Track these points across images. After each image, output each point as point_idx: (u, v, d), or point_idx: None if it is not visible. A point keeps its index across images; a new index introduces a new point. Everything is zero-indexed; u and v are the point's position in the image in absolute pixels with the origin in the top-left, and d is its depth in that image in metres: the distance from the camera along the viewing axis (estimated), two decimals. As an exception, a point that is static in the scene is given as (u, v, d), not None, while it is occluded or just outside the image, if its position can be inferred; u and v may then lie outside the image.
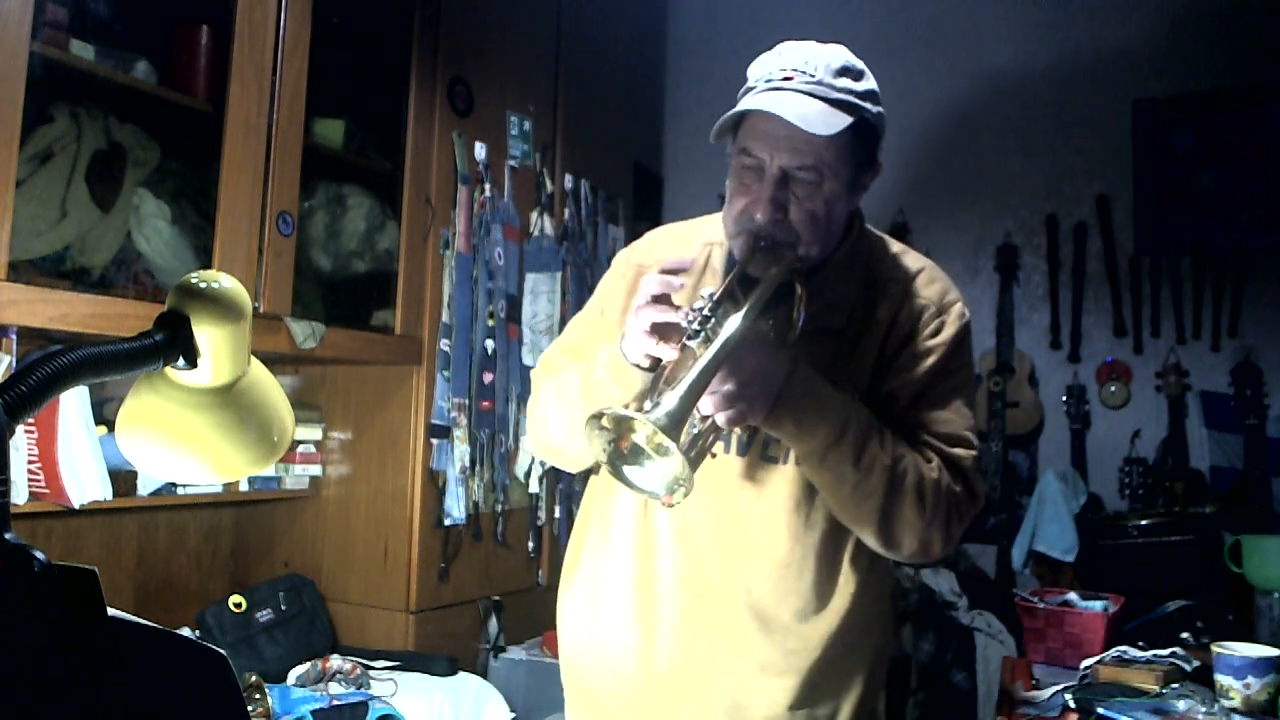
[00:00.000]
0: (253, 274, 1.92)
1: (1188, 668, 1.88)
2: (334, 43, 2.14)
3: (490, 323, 2.55)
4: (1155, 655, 1.91)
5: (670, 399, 1.01)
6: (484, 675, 2.36)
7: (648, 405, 1.05)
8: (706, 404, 1.10)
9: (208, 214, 1.92)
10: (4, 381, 0.58)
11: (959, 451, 1.26)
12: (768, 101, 1.19)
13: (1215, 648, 1.75)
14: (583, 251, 2.95)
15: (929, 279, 1.35)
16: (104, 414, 1.88)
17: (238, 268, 1.88)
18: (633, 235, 3.27)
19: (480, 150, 2.54)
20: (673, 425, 0.99)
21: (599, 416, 1.03)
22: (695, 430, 1.13)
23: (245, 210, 1.90)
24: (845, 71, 1.23)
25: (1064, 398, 3.19)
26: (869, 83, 1.26)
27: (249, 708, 1.76)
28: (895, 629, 1.53)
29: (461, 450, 2.42)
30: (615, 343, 1.21)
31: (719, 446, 1.29)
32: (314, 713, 1.86)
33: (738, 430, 1.28)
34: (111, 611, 0.55)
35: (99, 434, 1.80)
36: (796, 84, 1.20)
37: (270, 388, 0.81)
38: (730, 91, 1.30)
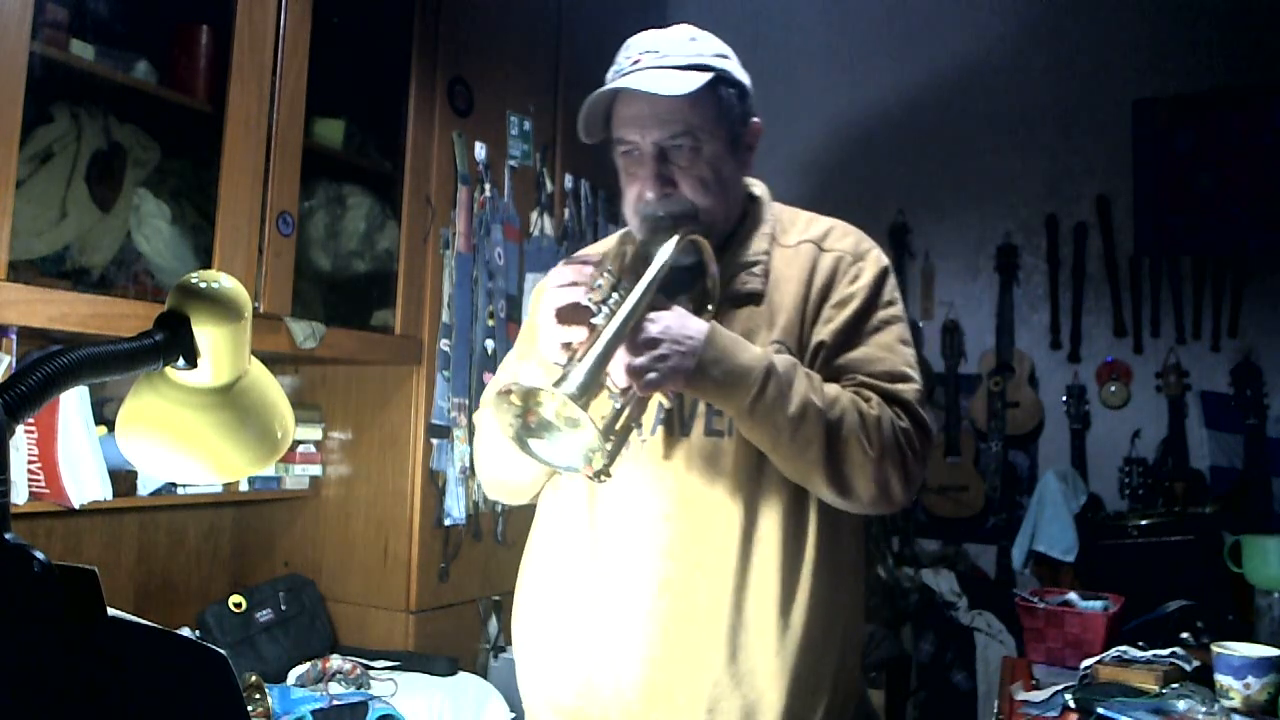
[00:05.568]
0: (253, 274, 1.92)
1: (1188, 668, 1.88)
2: (334, 43, 2.14)
3: (490, 323, 2.55)
4: (1155, 655, 1.90)
5: (576, 369, 1.01)
6: (484, 675, 2.36)
7: (556, 378, 1.03)
8: (621, 375, 1.09)
9: (208, 214, 1.91)
10: (4, 381, 0.58)
11: (898, 386, 1.24)
12: (621, 84, 1.22)
13: (1215, 648, 1.75)
14: (583, 251, 2.95)
15: (842, 233, 1.36)
16: (104, 414, 1.88)
17: (238, 268, 1.87)
18: (633, 235, 3.29)
19: (480, 150, 2.54)
20: (579, 393, 0.99)
21: (506, 393, 1.02)
22: (618, 405, 1.11)
23: (245, 210, 1.90)
24: (691, 40, 1.27)
25: (1064, 398, 3.19)
26: (718, 44, 1.29)
27: (249, 708, 1.76)
28: (866, 613, 1.49)
29: (461, 450, 2.42)
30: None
31: (660, 431, 1.26)
32: (314, 713, 1.86)
33: (675, 409, 1.26)
34: (111, 611, 0.55)
35: (99, 434, 1.80)
36: (644, 64, 1.24)
37: (270, 388, 0.81)
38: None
